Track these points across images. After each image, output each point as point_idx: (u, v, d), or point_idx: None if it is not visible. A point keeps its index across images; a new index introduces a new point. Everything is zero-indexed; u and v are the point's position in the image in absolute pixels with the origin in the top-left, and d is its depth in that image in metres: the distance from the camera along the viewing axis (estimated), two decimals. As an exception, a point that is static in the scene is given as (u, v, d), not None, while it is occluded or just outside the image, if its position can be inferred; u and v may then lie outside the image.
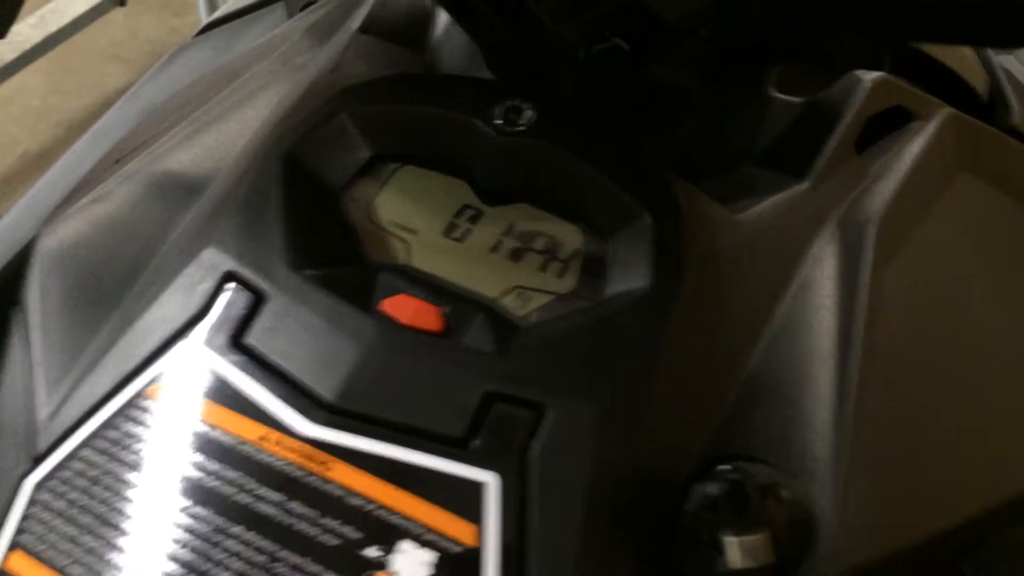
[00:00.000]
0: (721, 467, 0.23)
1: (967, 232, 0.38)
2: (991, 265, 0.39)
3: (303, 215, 0.30)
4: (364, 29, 0.38)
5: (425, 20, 0.40)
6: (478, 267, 0.31)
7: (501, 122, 0.31)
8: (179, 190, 0.33)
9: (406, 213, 0.32)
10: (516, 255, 0.31)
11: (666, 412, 0.28)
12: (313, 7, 0.43)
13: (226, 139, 0.34)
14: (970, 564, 0.81)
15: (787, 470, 0.28)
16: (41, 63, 1.71)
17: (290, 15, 0.55)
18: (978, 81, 0.51)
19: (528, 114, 0.31)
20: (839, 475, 0.28)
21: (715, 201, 0.31)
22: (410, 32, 0.39)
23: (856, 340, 0.31)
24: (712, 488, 0.23)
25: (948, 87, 0.49)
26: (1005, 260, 0.40)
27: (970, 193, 0.38)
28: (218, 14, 0.63)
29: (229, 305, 0.27)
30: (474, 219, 0.32)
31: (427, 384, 0.26)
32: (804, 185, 0.33)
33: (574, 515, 0.25)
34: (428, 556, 0.25)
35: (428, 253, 0.31)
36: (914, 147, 0.36)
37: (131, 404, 0.28)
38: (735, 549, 0.23)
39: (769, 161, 0.35)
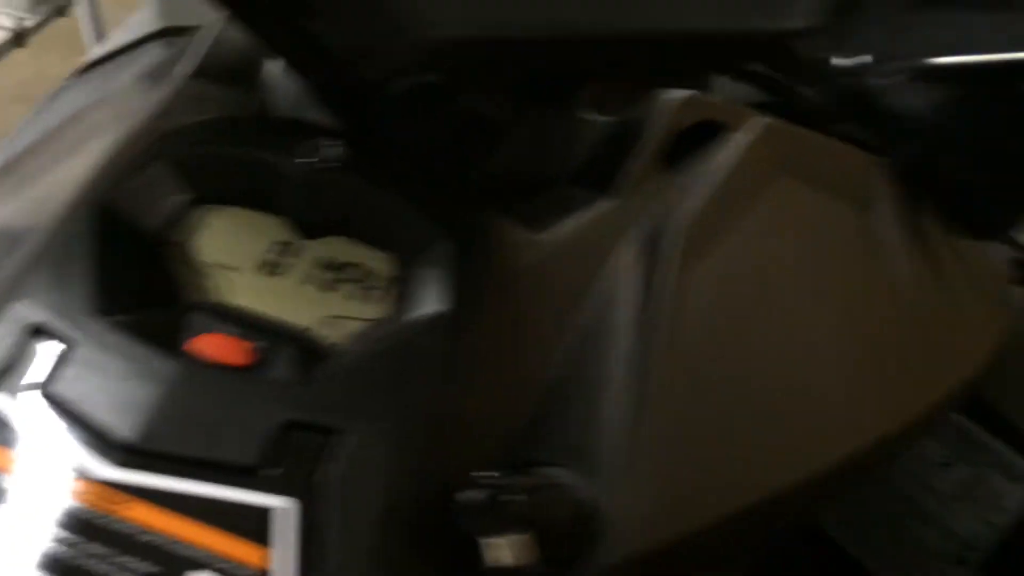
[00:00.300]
0: (482, 474, 0.25)
1: (784, 232, 0.40)
2: (808, 259, 0.41)
3: (116, 263, 0.31)
4: (196, 73, 0.39)
5: (257, 61, 0.41)
6: (292, 299, 0.32)
7: (312, 159, 0.32)
8: (1, 243, 0.34)
9: (224, 252, 0.33)
10: (330, 286, 0.33)
11: (464, 428, 0.30)
12: (146, 49, 0.44)
13: (51, 191, 0.35)
14: (833, 524, 0.84)
15: (582, 470, 0.30)
16: (-52, 106, 1.68)
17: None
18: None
19: (337, 150, 0.32)
20: (628, 471, 0.30)
21: (518, 223, 0.33)
22: (243, 73, 0.40)
23: (654, 343, 0.32)
24: (471, 495, 0.24)
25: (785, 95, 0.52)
26: (824, 253, 0.42)
27: (788, 195, 0.40)
28: (97, 53, 0.63)
29: (33, 357, 0.29)
30: (289, 253, 0.33)
31: (226, 417, 0.28)
32: (609, 201, 0.35)
33: (368, 534, 0.27)
34: (222, 583, 0.26)
35: (245, 289, 0.33)
36: (723, 157, 0.38)
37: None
38: (492, 550, 0.24)
39: (582, 179, 0.37)
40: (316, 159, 0.32)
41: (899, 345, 0.46)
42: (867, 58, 0.20)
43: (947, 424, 0.71)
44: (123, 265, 0.31)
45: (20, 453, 0.27)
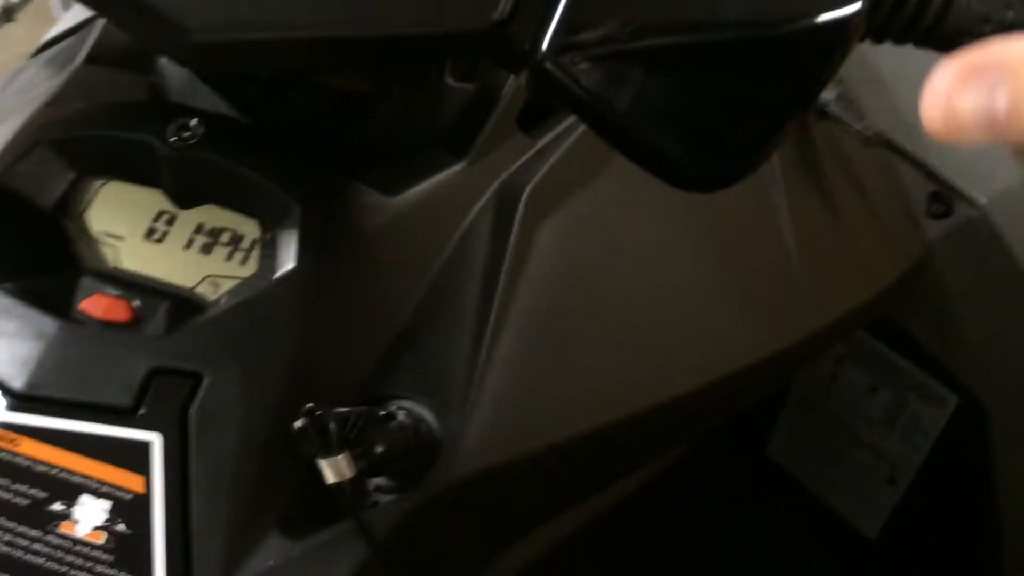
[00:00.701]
0: (310, 406, 0.29)
1: (641, 188, 0.44)
2: (670, 211, 0.44)
3: (9, 236, 0.35)
4: (91, 59, 0.42)
5: None
6: (175, 263, 0.37)
7: (175, 139, 0.36)
8: None
9: (113, 222, 0.37)
10: (207, 249, 0.37)
11: (318, 370, 0.34)
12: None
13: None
14: (776, 449, 0.88)
15: (426, 403, 0.34)
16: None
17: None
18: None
19: (198, 130, 0.36)
20: (465, 401, 0.34)
21: (374, 188, 0.37)
22: (136, 58, 0.43)
23: (496, 290, 0.36)
24: (298, 423, 0.29)
25: None
26: (690, 206, 0.45)
27: None
28: (53, 33, 0.67)
29: (-58, 319, 0.33)
30: (170, 222, 0.37)
31: (104, 367, 0.32)
32: (462, 163, 0.39)
33: (227, 459, 0.31)
34: (105, 504, 0.31)
35: (133, 255, 0.37)
36: (577, 121, 0.41)
37: None
38: (324, 470, 0.29)
39: (445, 144, 0.41)
40: (185, 139, 0.36)
41: (773, 281, 0.50)
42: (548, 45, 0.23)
43: (869, 352, 0.75)
44: (19, 238, 0.36)
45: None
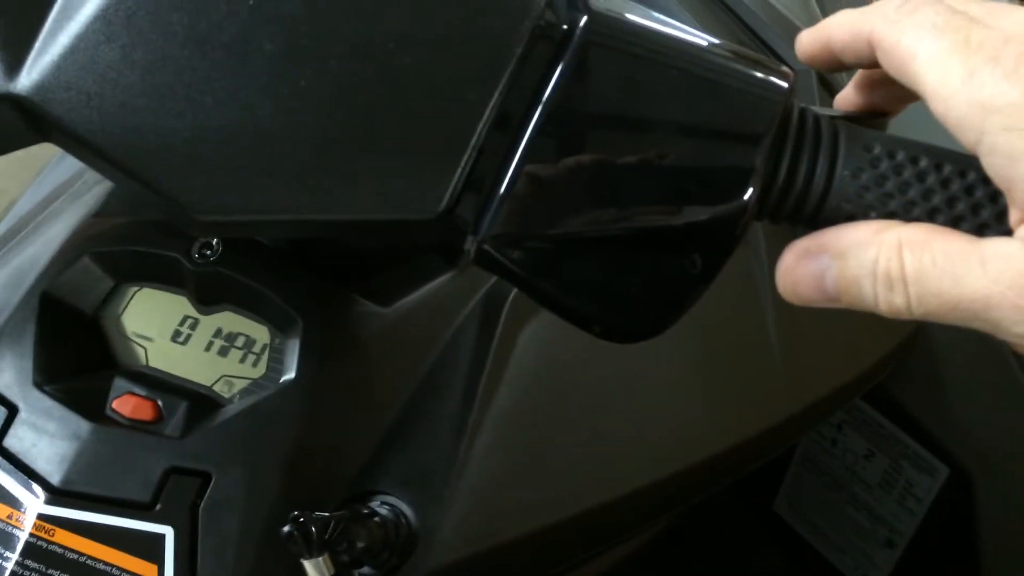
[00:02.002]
0: (295, 513, 0.33)
1: None
2: None
3: (55, 341, 0.40)
4: None
5: None
6: (197, 363, 0.41)
7: (198, 256, 0.41)
8: None
9: (144, 325, 0.42)
10: (223, 351, 0.42)
11: (314, 468, 0.38)
12: None
13: (18, 273, 0.44)
14: (782, 507, 0.91)
15: (407, 497, 0.39)
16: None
17: None
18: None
19: (216, 248, 0.41)
20: (443, 495, 0.38)
21: (368, 299, 0.41)
22: None
23: (478, 392, 0.40)
24: (287, 528, 0.33)
25: None
26: None
27: None
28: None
29: (-4, 418, 0.38)
30: (193, 326, 0.42)
31: (128, 465, 0.37)
32: (451, 272, 0.43)
33: (230, 550, 0.36)
34: (123, 591, 0.36)
35: (161, 355, 0.42)
36: None
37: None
38: (307, 569, 0.33)
39: (440, 251, 0.45)
40: (206, 256, 0.40)
41: (753, 367, 0.53)
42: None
43: (866, 419, 0.77)
44: (62, 341, 0.41)
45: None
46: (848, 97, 0.32)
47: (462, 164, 0.27)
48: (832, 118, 0.29)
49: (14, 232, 0.51)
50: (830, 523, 0.85)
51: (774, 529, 0.90)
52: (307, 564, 0.33)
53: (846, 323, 0.63)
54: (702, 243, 0.27)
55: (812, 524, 0.87)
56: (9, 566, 0.36)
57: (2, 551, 0.36)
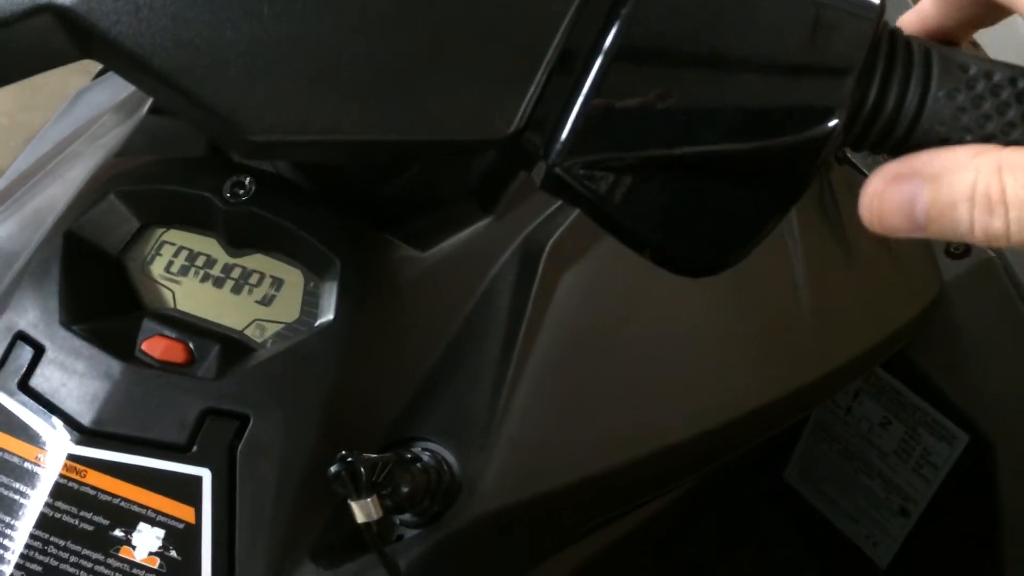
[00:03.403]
0: (343, 453, 0.32)
1: None
2: None
3: (80, 280, 0.39)
4: (154, 110, 0.46)
5: None
6: (227, 306, 0.40)
7: (230, 195, 0.39)
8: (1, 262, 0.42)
9: (172, 267, 0.41)
10: (255, 294, 0.40)
11: (351, 413, 0.37)
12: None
13: (37, 215, 0.43)
14: (795, 477, 0.91)
15: (449, 443, 0.38)
16: (5, 82, 1.78)
17: None
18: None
19: (249, 187, 0.39)
20: (485, 442, 0.37)
21: (406, 242, 0.40)
22: None
23: (518, 338, 0.39)
24: (335, 467, 0.32)
25: None
26: None
27: None
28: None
29: (17, 357, 0.37)
30: (223, 269, 0.41)
31: (162, 407, 0.36)
32: (489, 218, 0.42)
33: (268, 494, 0.35)
34: (159, 532, 0.34)
35: (190, 298, 0.40)
36: None
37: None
38: (355, 511, 0.32)
39: (474, 195, 0.44)
40: (239, 195, 0.39)
41: (785, 325, 0.52)
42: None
43: (883, 387, 0.77)
44: (88, 281, 0.39)
45: (6, 435, 0.36)
46: (915, 18, 0.30)
47: (535, 82, 0.26)
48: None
49: (23, 180, 0.49)
50: (842, 491, 0.85)
51: (784, 498, 0.90)
52: (355, 505, 0.32)
53: (872, 287, 0.62)
54: (780, 172, 0.26)
55: (823, 492, 0.87)
56: (39, 507, 0.35)
57: (30, 492, 0.35)
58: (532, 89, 0.26)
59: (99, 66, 0.62)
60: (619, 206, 0.26)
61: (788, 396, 0.52)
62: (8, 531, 0.35)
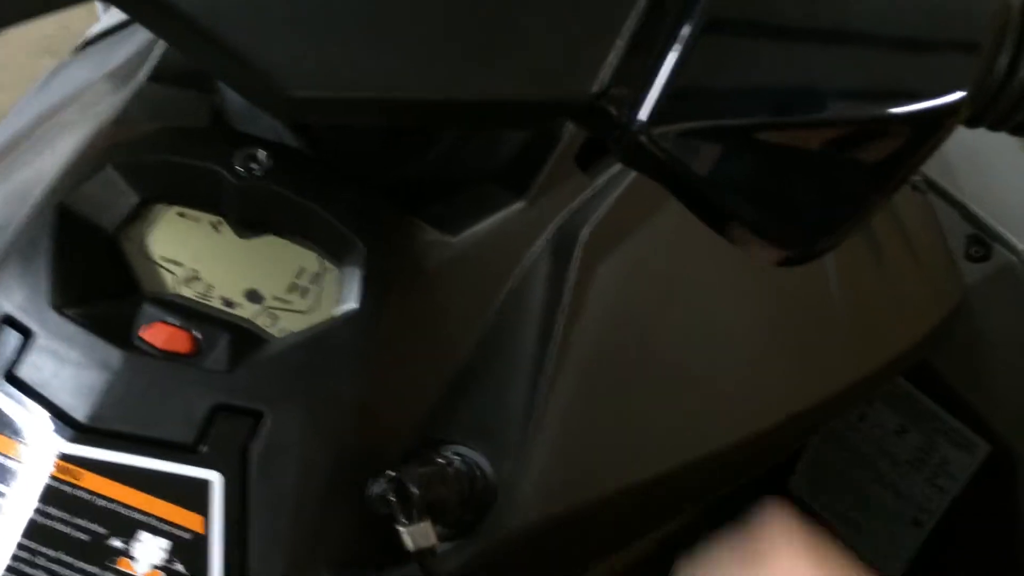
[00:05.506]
0: (389, 472, 0.28)
1: (696, 229, 0.43)
2: (720, 256, 0.44)
3: (73, 259, 0.35)
4: (154, 77, 0.42)
5: None
6: (235, 292, 0.36)
7: (241, 169, 0.36)
8: None
9: (173, 248, 0.37)
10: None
11: (376, 411, 0.33)
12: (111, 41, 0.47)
13: (23, 187, 0.39)
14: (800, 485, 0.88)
15: (484, 448, 0.34)
16: (-28, 61, 1.72)
17: None
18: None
19: (264, 161, 0.36)
20: (523, 449, 0.34)
21: (433, 225, 0.37)
22: (199, 76, 0.43)
23: (554, 333, 0.36)
24: (379, 487, 0.28)
25: None
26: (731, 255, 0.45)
27: None
28: (97, 29, 0.66)
29: (2, 344, 0.33)
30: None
31: (167, 401, 0.32)
32: (521, 203, 0.38)
33: (287, 502, 0.31)
34: (163, 543, 0.31)
35: (193, 282, 0.37)
36: None
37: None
38: (406, 538, 0.28)
39: (503, 179, 0.40)
40: (253, 170, 0.35)
41: (820, 328, 0.50)
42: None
43: (900, 394, 0.75)
44: (81, 260, 0.35)
45: (-9, 430, 0.32)
46: None
47: (623, 33, 0.23)
48: None
49: (2, 153, 0.45)
50: (850, 502, 0.83)
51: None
52: (406, 532, 0.28)
53: (901, 292, 0.60)
54: (900, 143, 0.23)
55: (829, 502, 0.85)
56: (27, 513, 0.31)
57: (18, 496, 0.31)
58: (619, 42, 0.23)
59: (72, 46, 0.58)
60: (708, 180, 0.23)
61: (823, 402, 0.49)
62: (-11, 540, 0.31)
